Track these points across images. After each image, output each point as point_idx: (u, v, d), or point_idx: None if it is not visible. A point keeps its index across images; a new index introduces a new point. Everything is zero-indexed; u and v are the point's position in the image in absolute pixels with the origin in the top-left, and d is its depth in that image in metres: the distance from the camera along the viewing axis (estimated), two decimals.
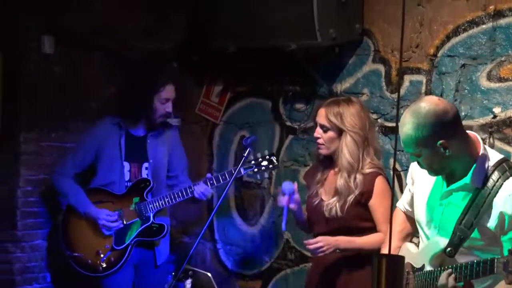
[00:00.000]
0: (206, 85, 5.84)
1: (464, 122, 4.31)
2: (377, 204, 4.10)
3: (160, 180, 5.17)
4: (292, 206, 4.23)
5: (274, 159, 4.63)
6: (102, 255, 5.04)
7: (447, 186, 3.34)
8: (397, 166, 4.69)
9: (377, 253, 3.91)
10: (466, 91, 4.45)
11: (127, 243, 5.04)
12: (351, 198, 4.10)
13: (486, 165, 3.23)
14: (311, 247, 4.12)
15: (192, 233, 5.86)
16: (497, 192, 3.16)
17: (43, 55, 5.37)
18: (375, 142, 4.23)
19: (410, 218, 3.68)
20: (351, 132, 4.10)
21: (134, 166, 5.15)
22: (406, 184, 3.71)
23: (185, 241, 5.91)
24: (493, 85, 4.35)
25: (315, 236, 4.25)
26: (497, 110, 4.32)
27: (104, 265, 5.04)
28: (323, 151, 4.22)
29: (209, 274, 4.14)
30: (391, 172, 4.57)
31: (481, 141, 3.33)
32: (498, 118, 4.32)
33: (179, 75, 5.74)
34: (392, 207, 3.22)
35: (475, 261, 3.10)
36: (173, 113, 5.18)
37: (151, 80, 5.06)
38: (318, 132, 4.19)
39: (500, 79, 4.32)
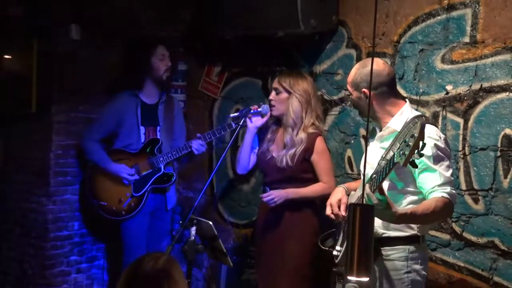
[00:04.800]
0: (207, 66, 5.77)
1: (422, 98, 4.46)
2: (318, 159, 4.31)
3: (168, 139, 5.27)
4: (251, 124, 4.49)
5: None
6: (123, 202, 5.16)
7: (379, 131, 3.55)
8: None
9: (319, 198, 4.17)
10: (423, 71, 4.47)
11: (144, 190, 5.16)
12: (298, 151, 4.25)
13: (407, 116, 3.45)
14: (265, 199, 4.30)
15: (195, 189, 5.87)
16: None
17: (71, 41, 5.38)
18: (317, 109, 4.42)
19: None
20: (297, 94, 4.33)
21: (149, 130, 5.22)
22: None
23: (190, 195, 5.91)
24: (446, 66, 4.37)
25: (266, 184, 4.45)
26: (449, 87, 4.36)
27: (126, 210, 5.16)
28: (274, 112, 4.42)
29: (210, 222, 4.05)
30: (362, 140, 4.67)
31: (409, 105, 3.53)
32: (450, 94, 4.35)
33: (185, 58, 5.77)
34: (366, 163, 3.22)
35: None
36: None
37: (144, 45, 5.18)
38: (272, 95, 4.41)
39: (452, 62, 4.34)
